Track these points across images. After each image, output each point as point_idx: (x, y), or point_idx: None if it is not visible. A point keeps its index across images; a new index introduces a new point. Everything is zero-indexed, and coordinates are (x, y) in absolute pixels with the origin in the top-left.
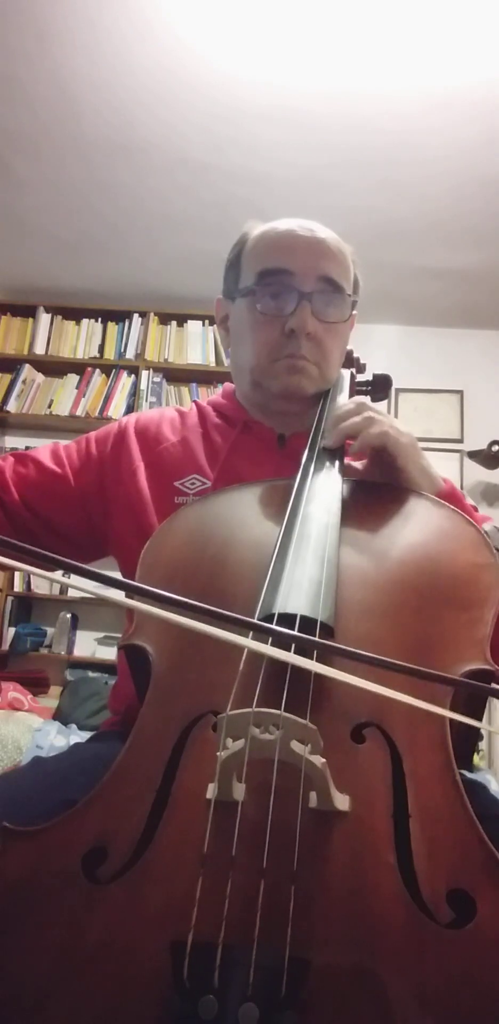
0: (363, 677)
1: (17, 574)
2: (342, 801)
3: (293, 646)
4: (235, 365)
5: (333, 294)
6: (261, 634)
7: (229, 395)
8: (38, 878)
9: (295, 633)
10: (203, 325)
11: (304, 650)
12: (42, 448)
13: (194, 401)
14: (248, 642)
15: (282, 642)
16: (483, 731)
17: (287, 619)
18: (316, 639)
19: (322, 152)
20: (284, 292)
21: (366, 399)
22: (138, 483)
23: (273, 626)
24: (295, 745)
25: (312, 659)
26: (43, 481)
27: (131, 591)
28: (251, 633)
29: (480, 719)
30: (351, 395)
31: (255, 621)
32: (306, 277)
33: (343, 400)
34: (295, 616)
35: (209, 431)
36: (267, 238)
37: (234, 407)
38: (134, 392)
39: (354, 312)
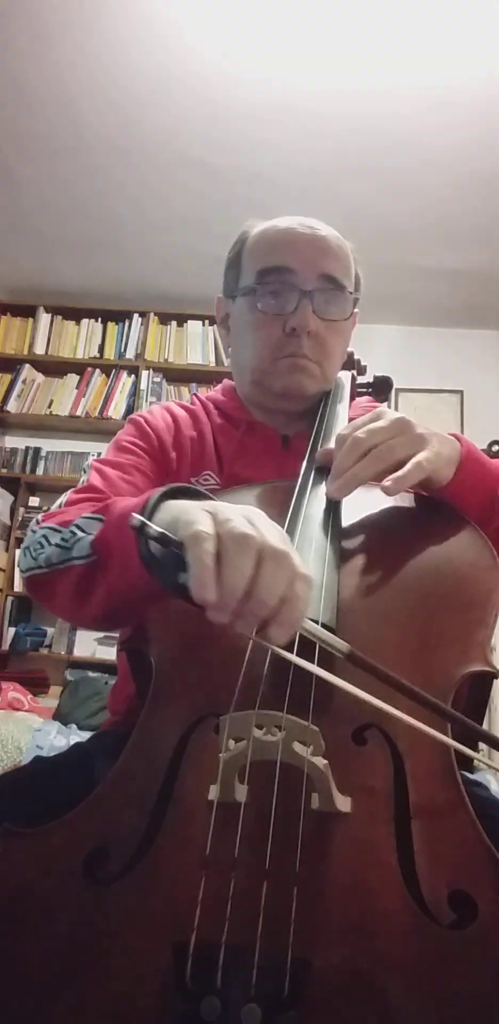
0: (364, 683)
1: (17, 574)
2: (344, 802)
3: (295, 647)
4: (236, 364)
5: (334, 292)
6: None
7: (230, 393)
8: (40, 879)
9: (315, 630)
10: (203, 325)
11: (307, 651)
12: (109, 458)
13: (194, 395)
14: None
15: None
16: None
17: None
18: (329, 634)
19: (323, 152)
20: (285, 290)
21: (380, 410)
22: (170, 479)
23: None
24: (297, 747)
25: (314, 661)
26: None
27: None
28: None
29: (481, 721)
30: (352, 397)
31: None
32: (307, 275)
33: (343, 408)
34: None
35: (215, 429)
36: (267, 236)
37: (236, 407)
38: (134, 392)
39: (356, 310)
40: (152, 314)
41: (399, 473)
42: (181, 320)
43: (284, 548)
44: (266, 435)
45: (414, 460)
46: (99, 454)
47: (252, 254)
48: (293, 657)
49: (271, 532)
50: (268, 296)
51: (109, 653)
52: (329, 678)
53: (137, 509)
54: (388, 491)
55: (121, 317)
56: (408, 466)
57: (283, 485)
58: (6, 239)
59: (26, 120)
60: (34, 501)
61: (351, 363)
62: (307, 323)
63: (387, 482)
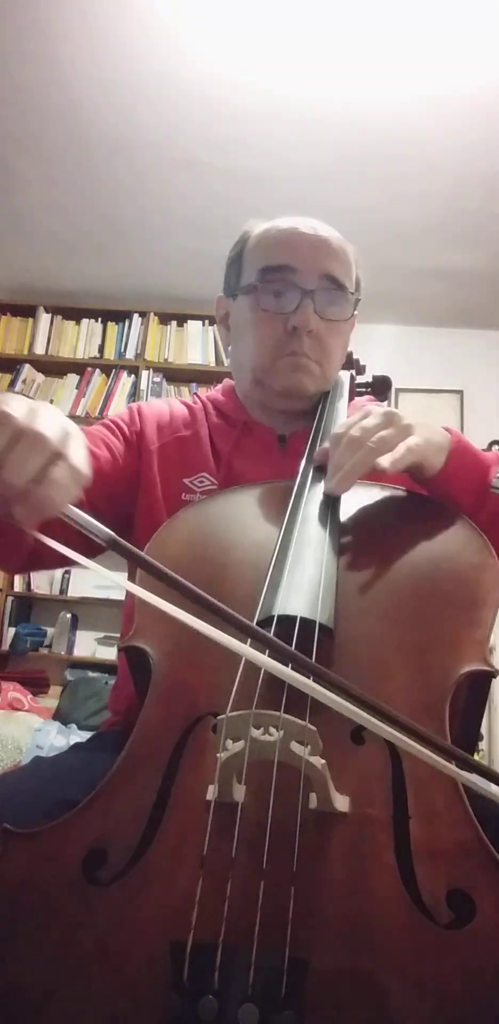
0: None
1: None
2: (342, 802)
3: (293, 649)
4: (236, 363)
5: (336, 292)
6: (261, 642)
7: (229, 393)
8: (39, 880)
9: (305, 659)
10: (203, 325)
11: (304, 651)
12: (89, 428)
13: (195, 394)
14: (247, 650)
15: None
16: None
17: (287, 621)
18: (316, 664)
19: (322, 152)
20: (287, 289)
21: (368, 408)
22: (152, 470)
23: (276, 639)
24: (295, 746)
25: (310, 668)
26: (98, 470)
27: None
28: (249, 641)
29: (480, 720)
30: (351, 397)
31: (270, 636)
32: (309, 274)
33: (342, 407)
34: (295, 618)
35: (212, 429)
36: (270, 235)
37: (234, 406)
38: (134, 392)
39: (355, 312)
40: (152, 314)
41: (392, 454)
42: (181, 320)
43: (46, 433)
44: (263, 434)
45: (404, 443)
46: None
47: (254, 253)
48: (286, 672)
49: (47, 423)
50: (269, 295)
51: (109, 653)
52: (319, 695)
53: None
54: (385, 470)
55: (121, 317)
56: (399, 447)
57: (282, 485)
58: (6, 239)
59: (26, 120)
60: None
61: (350, 363)
62: (308, 322)
63: (383, 461)
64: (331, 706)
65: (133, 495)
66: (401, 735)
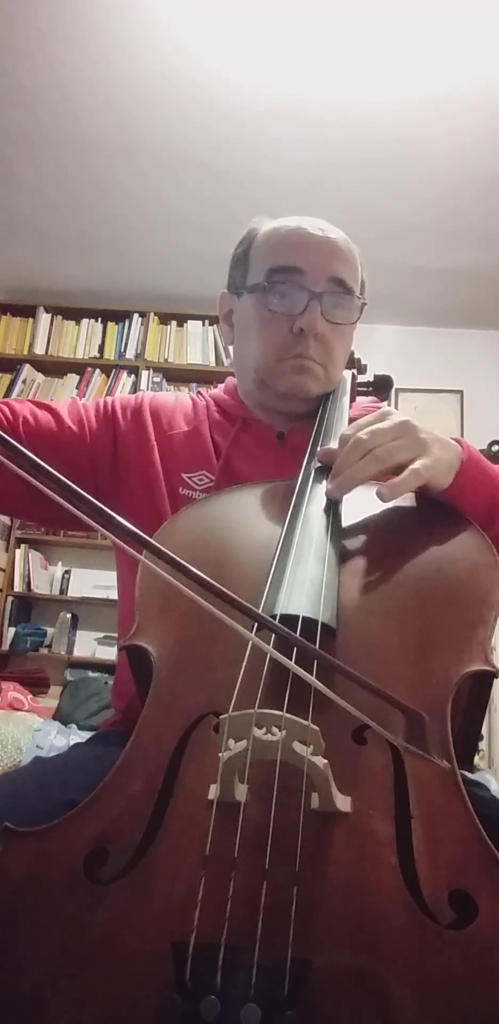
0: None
1: (17, 574)
2: (344, 802)
3: (294, 651)
4: (238, 362)
5: (343, 296)
6: (266, 632)
7: (231, 391)
8: (40, 879)
9: (302, 640)
10: (203, 325)
11: (305, 654)
12: (62, 401)
13: (199, 392)
14: (253, 638)
15: (283, 644)
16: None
17: (289, 620)
18: (320, 651)
19: (322, 152)
20: (293, 291)
21: (385, 410)
22: (153, 461)
23: (279, 625)
24: (297, 746)
25: (312, 665)
26: (59, 435)
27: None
28: (254, 630)
29: (481, 720)
30: (352, 396)
31: (266, 616)
32: (317, 277)
33: (344, 407)
34: (297, 617)
35: (212, 426)
36: (278, 235)
37: (234, 404)
38: (134, 392)
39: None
40: (152, 314)
41: (394, 480)
42: (181, 320)
43: None
44: (261, 431)
45: (411, 467)
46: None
47: (261, 252)
48: (291, 665)
49: None
50: (276, 296)
51: (109, 653)
52: (325, 690)
53: None
54: (382, 497)
55: (121, 317)
56: (404, 473)
57: (284, 484)
58: (6, 239)
59: (26, 120)
60: None
61: (351, 362)
62: (315, 325)
63: (382, 488)
64: (332, 700)
65: (101, 479)
66: (400, 743)
